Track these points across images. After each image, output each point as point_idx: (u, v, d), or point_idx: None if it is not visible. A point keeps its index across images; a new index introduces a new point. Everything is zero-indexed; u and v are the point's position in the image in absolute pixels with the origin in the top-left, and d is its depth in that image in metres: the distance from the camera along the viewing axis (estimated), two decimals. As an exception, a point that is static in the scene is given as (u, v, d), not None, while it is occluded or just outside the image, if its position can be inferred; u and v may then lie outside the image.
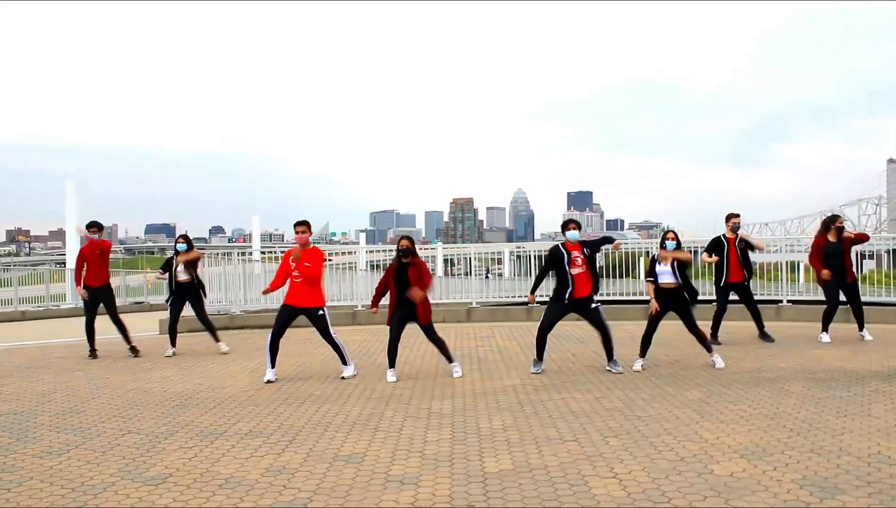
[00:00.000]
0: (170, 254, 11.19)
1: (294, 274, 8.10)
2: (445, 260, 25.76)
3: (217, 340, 10.56)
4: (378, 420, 6.01)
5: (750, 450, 4.88)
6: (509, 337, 11.27)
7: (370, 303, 8.47)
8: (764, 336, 10.14)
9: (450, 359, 8.23)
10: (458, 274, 20.82)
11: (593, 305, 8.17)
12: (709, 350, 8.35)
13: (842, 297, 10.25)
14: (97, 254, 10.25)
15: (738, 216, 10.26)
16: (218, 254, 15.32)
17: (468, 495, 4.11)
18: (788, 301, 12.97)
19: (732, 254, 10.08)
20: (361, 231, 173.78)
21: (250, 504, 4.04)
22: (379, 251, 30.99)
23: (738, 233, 10.23)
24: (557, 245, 8.28)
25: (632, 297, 14.49)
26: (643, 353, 8.35)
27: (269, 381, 7.92)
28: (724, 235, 10.23)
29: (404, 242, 8.19)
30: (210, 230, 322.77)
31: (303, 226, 8.20)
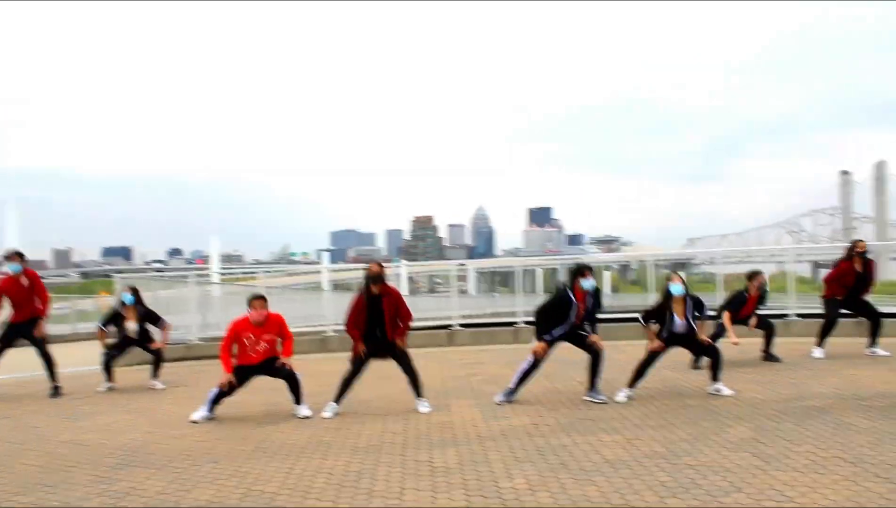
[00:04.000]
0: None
1: (257, 348, 7.05)
2: (428, 278, 24.72)
3: (156, 376, 9.46)
4: (370, 479, 4.83)
5: (854, 513, 3.83)
6: (501, 364, 10.13)
7: (353, 341, 7.28)
8: (771, 357, 9.27)
9: (419, 394, 7.22)
10: (427, 291, 19.75)
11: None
12: (715, 379, 7.30)
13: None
14: (21, 286, 8.94)
15: (762, 274, 9.56)
16: (172, 277, 14.02)
17: None
18: (797, 315, 12.08)
19: (748, 310, 9.34)
20: (323, 250, 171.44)
21: None
22: (342, 270, 30.31)
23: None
24: (566, 290, 7.34)
25: (621, 315, 13.45)
26: (633, 384, 7.32)
27: (193, 422, 6.93)
28: (746, 291, 9.36)
29: (374, 268, 7.12)
30: (168, 252, 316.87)
31: (261, 300, 7.10)
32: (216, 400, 7.09)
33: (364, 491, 4.57)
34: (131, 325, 9.38)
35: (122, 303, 9.46)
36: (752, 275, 9.43)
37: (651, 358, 7.31)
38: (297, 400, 7.14)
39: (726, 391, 7.19)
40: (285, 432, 6.38)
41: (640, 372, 7.31)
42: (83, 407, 8.18)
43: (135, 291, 9.57)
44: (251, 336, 7.01)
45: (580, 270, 7.34)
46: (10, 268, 8.98)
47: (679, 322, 7.26)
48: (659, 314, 7.35)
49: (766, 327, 9.38)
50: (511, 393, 7.43)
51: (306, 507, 4.30)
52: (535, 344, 7.37)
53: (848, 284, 9.46)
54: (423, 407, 7.12)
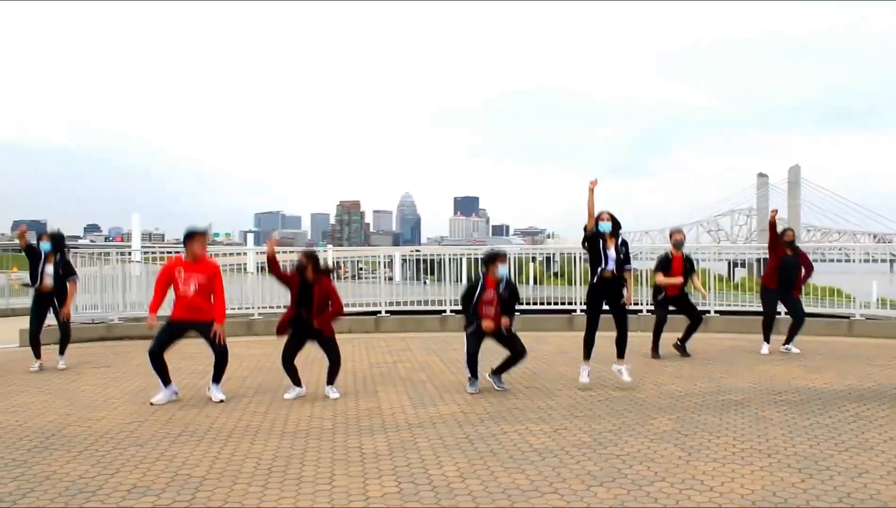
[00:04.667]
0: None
1: (188, 287, 6.84)
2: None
3: (62, 353, 9.10)
4: (300, 465, 4.80)
5: (769, 501, 4.00)
6: (428, 351, 10.18)
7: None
8: (682, 349, 9.50)
9: (331, 381, 7.23)
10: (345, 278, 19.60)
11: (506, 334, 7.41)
12: (620, 356, 7.46)
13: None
14: None
15: (680, 232, 9.83)
16: (93, 254, 13.56)
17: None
18: (716, 311, 12.48)
19: (676, 271, 9.50)
20: (248, 232, 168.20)
21: None
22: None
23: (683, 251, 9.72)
24: (480, 278, 7.47)
25: (550, 307, 13.65)
26: (587, 356, 7.44)
27: (152, 403, 6.76)
28: (669, 252, 9.61)
29: (302, 260, 7.13)
30: (85, 228, 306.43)
31: (201, 237, 7.02)
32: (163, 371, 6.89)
33: (293, 477, 4.53)
34: (49, 269, 8.93)
35: (42, 253, 9.02)
36: (670, 234, 9.77)
37: (592, 320, 7.45)
38: (216, 378, 7.02)
39: (626, 376, 7.38)
40: (211, 415, 6.27)
41: (589, 341, 7.46)
42: (-5, 386, 7.86)
43: (54, 237, 9.14)
44: (181, 270, 6.85)
45: (492, 258, 7.41)
46: None
47: (611, 255, 7.32)
48: (594, 249, 7.41)
49: (694, 318, 9.57)
50: (473, 381, 7.39)
51: (235, 492, 4.24)
52: (484, 323, 7.28)
53: (780, 257, 9.67)
54: (333, 393, 7.11)
